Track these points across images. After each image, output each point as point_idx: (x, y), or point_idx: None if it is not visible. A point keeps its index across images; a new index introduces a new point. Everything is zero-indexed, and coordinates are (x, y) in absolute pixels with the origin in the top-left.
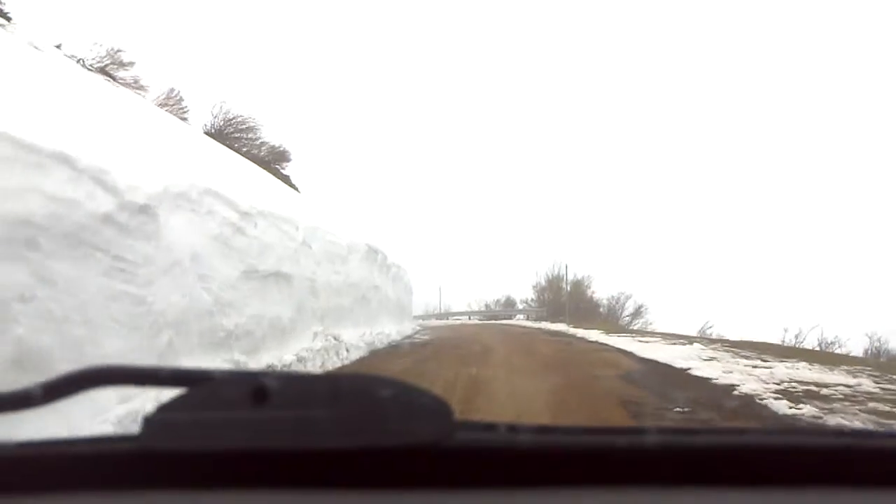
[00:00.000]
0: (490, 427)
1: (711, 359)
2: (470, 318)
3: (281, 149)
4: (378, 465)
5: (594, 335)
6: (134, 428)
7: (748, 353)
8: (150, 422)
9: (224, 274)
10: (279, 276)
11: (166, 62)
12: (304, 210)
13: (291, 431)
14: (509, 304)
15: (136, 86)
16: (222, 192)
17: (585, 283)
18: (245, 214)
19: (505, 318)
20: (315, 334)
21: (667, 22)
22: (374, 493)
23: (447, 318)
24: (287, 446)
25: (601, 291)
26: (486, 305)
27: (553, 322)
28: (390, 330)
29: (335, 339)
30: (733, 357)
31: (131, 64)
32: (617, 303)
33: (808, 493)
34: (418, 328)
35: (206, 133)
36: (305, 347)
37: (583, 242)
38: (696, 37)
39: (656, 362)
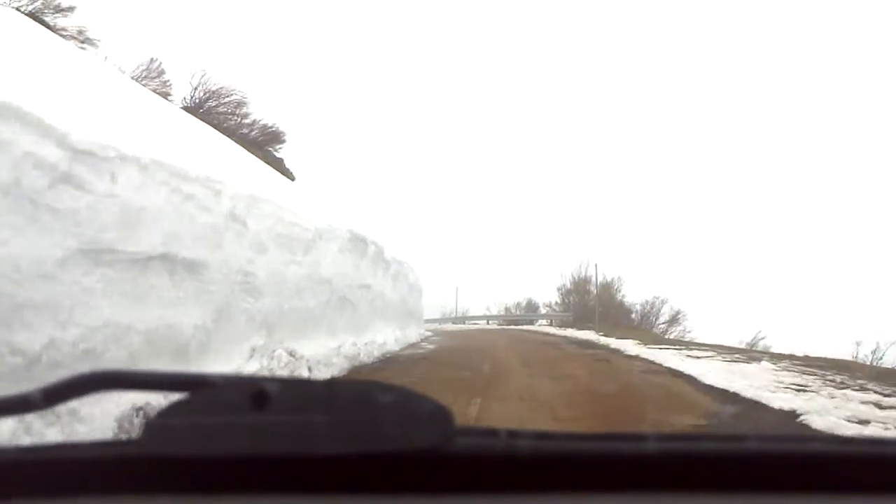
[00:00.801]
0: (490, 433)
1: (803, 388)
2: (488, 323)
3: (274, 129)
4: (378, 470)
5: (631, 347)
6: None
7: (840, 378)
8: (151, 427)
9: (22, 253)
10: (175, 264)
11: (157, 41)
12: (245, 174)
13: (291, 437)
14: (531, 307)
15: (81, 38)
16: (32, 110)
17: (615, 286)
18: (84, 155)
19: (526, 323)
20: (253, 350)
21: (694, 23)
22: (374, 498)
23: (464, 322)
24: (287, 451)
25: (631, 295)
26: (506, 309)
27: (580, 329)
28: (387, 338)
29: (290, 354)
30: (832, 386)
31: (70, 9)
32: (652, 308)
33: (810, 499)
34: (428, 334)
35: (185, 108)
36: (231, 371)
37: (610, 244)
38: (732, 36)
39: (738, 396)
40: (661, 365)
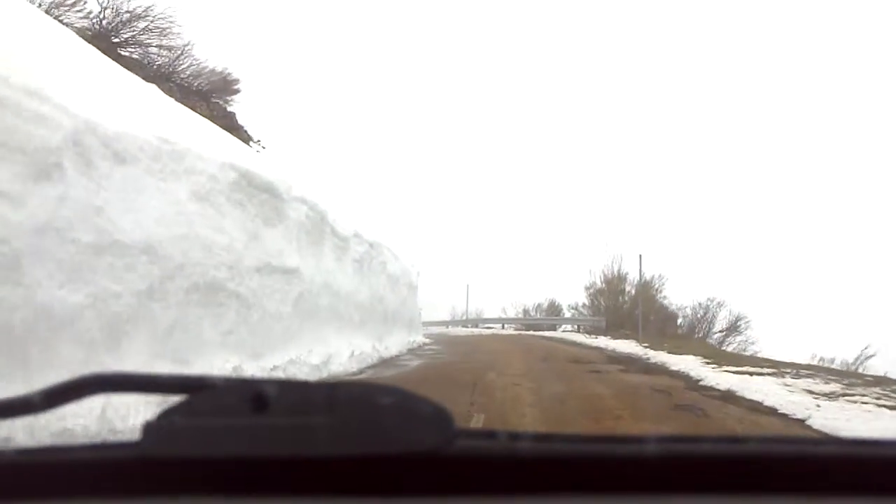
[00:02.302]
0: (491, 434)
1: None
2: (503, 327)
3: (224, 74)
4: (378, 472)
5: (704, 371)
6: None
7: None
8: (151, 428)
9: None
10: None
11: None
12: None
13: (291, 439)
14: (553, 310)
15: None
16: None
17: (655, 286)
18: None
19: (548, 329)
20: None
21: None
22: (374, 500)
23: (476, 326)
24: (286, 453)
25: (673, 297)
26: (525, 311)
27: (615, 337)
28: (334, 354)
29: None
30: None
31: None
32: (705, 313)
33: (810, 500)
34: (424, 342)
35: (87, 37)
36: None
37: (645, 238)
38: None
39: None
40: (810, 425)
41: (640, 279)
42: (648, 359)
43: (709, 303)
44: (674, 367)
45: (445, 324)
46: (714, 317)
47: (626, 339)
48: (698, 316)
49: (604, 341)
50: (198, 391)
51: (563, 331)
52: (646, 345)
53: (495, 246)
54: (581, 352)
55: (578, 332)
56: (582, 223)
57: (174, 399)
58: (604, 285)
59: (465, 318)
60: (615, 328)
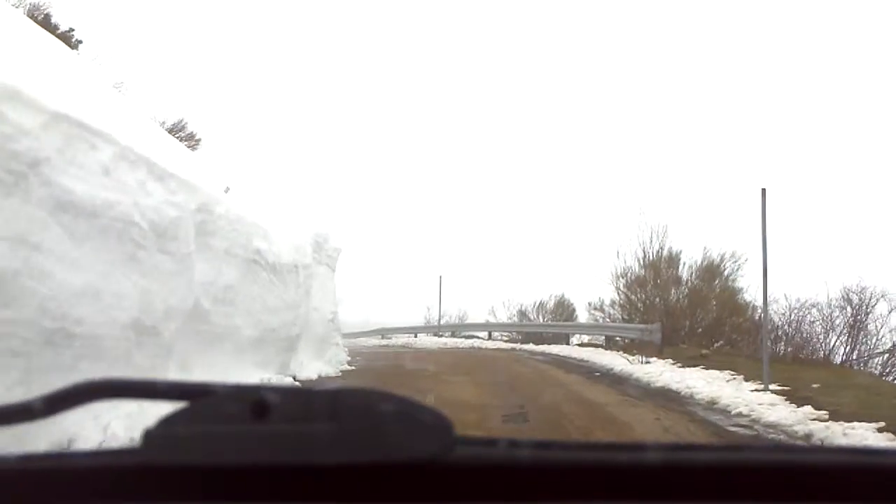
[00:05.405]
0: (491, 442)
1: None
2: (490, 336)
3: None
4: (378, 479)
5: None
6: None
7: None
8: (152, 435)
9: None
10: None
11: None
12: None
13: (292, 446)
14: (563, 310)
15: None
16: None
17: (725, 273)
18: None
19: (553, 341)
20: None
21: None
22: None
23: (454, 334)
24: (287, 461)
25: (751, 290)
26: (521, 313)
27: (681, 361)
28: None
29: None
30: None
31: None
32: (858, 312)
33: None
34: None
35: None
36: None
37: (693, 206)
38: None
39: None
40: None
41: (764, 246)
42: None
43: (856, 296)
44: None
45: (414, 331)
46: (863, 323)
47: (706, 365)
48: (829, 320)
49: (668, 372)
50: (198, 398)
51: (580, 343)
52: (788, 389)
53: (482, 230)
54: (676, 430)
55: (607, 348)
56: (597, 191)
57: (174, 406)
58: (643, 271)
59: (438, 323)
60: (670, 342)
